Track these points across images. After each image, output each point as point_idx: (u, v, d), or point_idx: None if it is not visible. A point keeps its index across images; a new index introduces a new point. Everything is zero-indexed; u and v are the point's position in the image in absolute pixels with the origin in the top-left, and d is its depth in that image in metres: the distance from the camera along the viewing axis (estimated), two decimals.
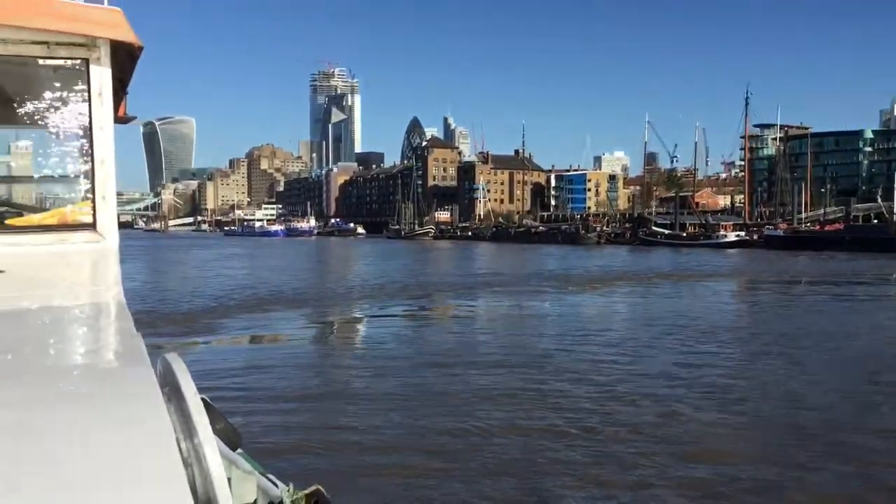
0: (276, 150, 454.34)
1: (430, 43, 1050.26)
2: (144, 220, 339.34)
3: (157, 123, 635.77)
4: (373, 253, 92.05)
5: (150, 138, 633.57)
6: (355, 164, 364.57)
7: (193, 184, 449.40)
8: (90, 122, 4.20)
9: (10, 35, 3.87)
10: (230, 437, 3.45)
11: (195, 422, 2.43)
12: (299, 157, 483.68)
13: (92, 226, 4.26)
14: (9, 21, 3.79)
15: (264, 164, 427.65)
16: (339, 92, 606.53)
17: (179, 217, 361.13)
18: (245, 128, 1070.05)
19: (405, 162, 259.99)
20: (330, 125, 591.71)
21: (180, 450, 2.29)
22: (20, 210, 4.71)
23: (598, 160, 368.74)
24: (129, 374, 2.72)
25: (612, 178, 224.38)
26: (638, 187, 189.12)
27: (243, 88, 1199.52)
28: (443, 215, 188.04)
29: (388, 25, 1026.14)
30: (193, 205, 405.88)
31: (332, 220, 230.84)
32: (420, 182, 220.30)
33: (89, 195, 4.30)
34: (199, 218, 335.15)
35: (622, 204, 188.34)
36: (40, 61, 4.07)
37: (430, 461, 10.15)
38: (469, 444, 10.92)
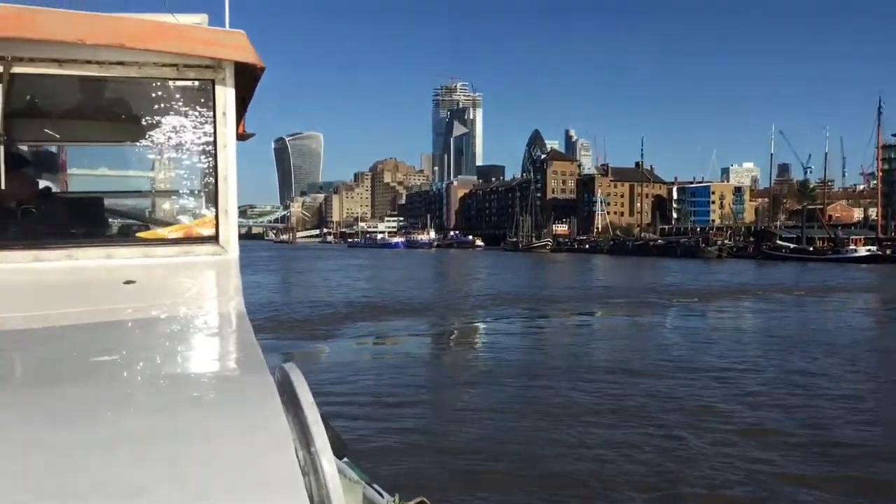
0: (398, 164, 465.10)
1: (552, 55, 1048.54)
2: (274, 231, 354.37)
3: (287, 139, 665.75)
4: (489, 265, 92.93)
5: (281, 154, 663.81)
6: (475, 177, 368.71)
7: (320, 197, 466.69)
8: (214, 140, 4.42)
9: (144, 58, 4.15)
10: (335, 445, 3.55)
11: (312, 431, 2.48)
12: (421, 171, 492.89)
13: (215, 239, 4.46)
14: (144, 45, 4.06)
15: (387, 178, 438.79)
16: (461, 106, 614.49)
17: (307, 229, 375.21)
18: (370, 142, 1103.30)
19: (523, 175, 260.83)
20: (452, 139, 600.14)
21: (297, 458, 2.36)
22: (149, 223, 5.03)
23: (725, 172, 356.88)
24: (250, 382, 2.81)
25: (738, 190, 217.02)
26: (766, 200, 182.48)
27: (369, 104, 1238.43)
28: (560, 228, 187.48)
29: (511, 39, 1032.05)
30: (320, 217, 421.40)
31: (452, 233, 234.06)
32: (539, 195, 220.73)
33: (213, 210, 4.50)
34: (325, 230, 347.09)
35: (748, 217, 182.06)
36: (170, 82, 4.33)
37: (538, 474, 10.19)
38: (578, 457, 10.90)
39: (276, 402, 2.54)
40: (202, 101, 4.40)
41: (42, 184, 5.21)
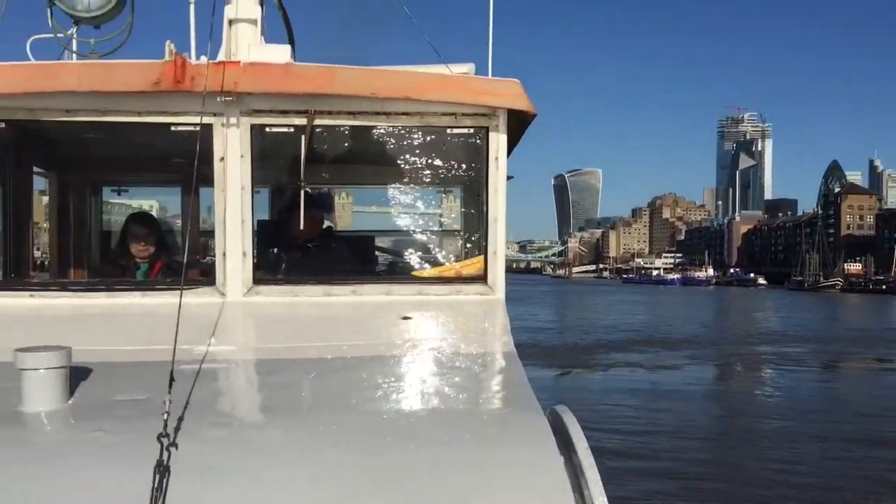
0: (678, 199, 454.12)
1: (853, 75, 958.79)
2: (551, 266, 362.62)
3: (566, 176, 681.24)
4: (772, 304, 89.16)
5: (560, 190, 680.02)
6: (760, 213, 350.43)
7: (598, 232, 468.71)
8: (486, 184, 4.64)
9: (427, 108, 4.53)
10: None
11: (587, 476, 2.46)
12: (702, 206, 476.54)
13: (483, 279, 4.67)
14: (428, 96, 4.47)
15: (666, 213, 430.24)
16: (748, 137, 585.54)
17: (583, 264, 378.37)
18: (648, 177, 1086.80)
19: (814, 209, 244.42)
20: (737, 172, 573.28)
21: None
22: (420, 263, 5.25)
23: None
24: (524, 422, 2.87)
25: None
26: None
27: (648, 139, 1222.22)
28: (853, 267, 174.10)
29: (803, 62, 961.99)
30: (597, 252, 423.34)
31: (731, 270, 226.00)
32: (831, 231, 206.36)
33: (482, 251, 4.73)
34: (601, 265, 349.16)
35: None
36: (448, 130, 4.62)
37: None
38: None
39: (553, 445, 2.62)
40: (475, 146, 4.66)
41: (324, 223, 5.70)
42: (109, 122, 4.54)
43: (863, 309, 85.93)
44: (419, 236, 5.49)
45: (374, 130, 4.67)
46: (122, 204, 7.62)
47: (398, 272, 5.52)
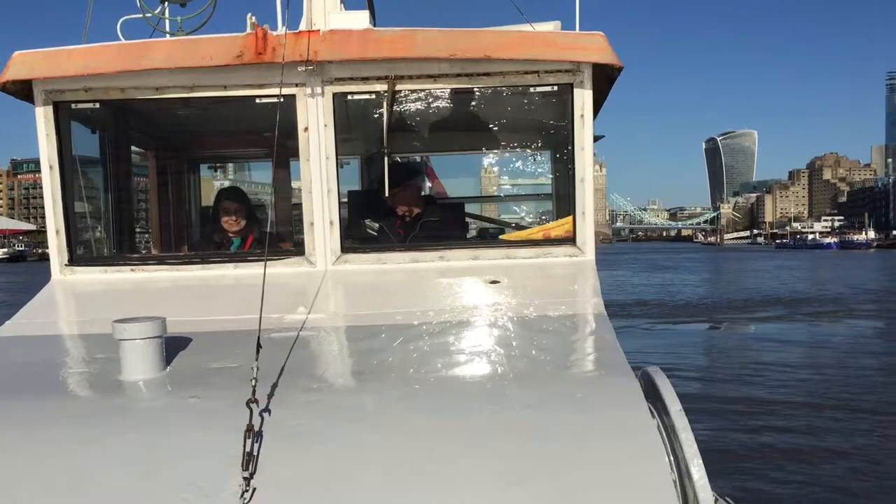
0: (840, 159, 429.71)
1: None
2: (703, 233, 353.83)
3: (718, 139, 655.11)
4: None
5: (712, 154, 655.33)
6: None
7: (753, 197, 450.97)
8: (572, 143, 4.47)
9: (509, 67, 4.38)
10: None
11: (681, 438, 2.46)
12: (867, 165, 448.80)
13: (572, 240, 4.56)
14: (508, 55, 4.30)
15: (826, 174, 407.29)
16: None
17: (737, 230, 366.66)
18: (807, 137, 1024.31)
19: None
20: None
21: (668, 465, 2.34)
22: (504, 226, 5.37)
23: None
24: (616, 384, 2.83)
25: None
26: None
27: (807, 96, 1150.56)
28: None
29: None
30: (751, 218, 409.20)
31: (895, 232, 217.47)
32: None
33: (571, 212, 4.56)
34: (755, 231, 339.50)
35: None
36: (532, 89, 4.48)
37: None
38: None
39: (644, 406, 2.60)
40: (559, 104, 4.54)
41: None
42: (198, 98, 4.59)
43: None
44: (502, 200, 5.63)
45: (456, 94, 4.57)
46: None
47: (485, 237, 5.56)
